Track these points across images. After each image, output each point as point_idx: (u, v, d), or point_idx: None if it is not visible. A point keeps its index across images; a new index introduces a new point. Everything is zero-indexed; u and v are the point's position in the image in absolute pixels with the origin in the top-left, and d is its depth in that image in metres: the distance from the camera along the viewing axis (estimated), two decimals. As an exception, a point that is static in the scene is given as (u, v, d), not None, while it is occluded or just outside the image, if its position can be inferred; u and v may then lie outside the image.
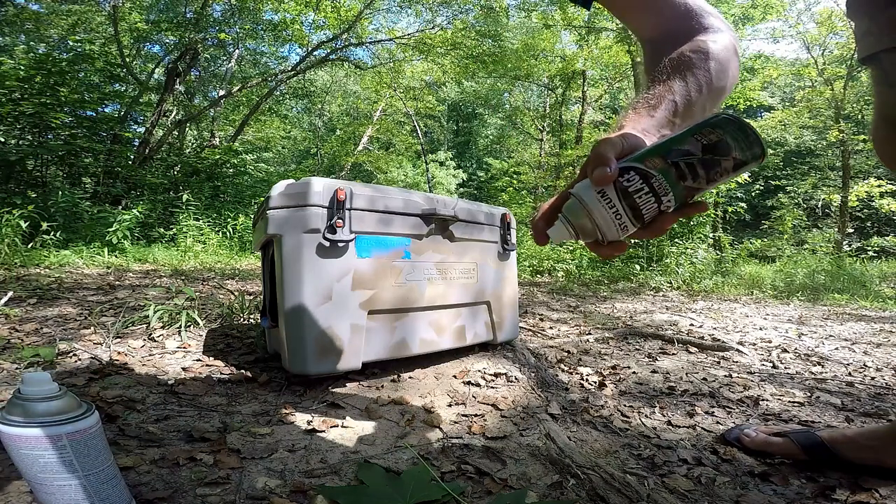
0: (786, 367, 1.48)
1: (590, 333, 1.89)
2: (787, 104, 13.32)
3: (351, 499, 0.60)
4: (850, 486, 0.70)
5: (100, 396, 0.91)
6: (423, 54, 9.83)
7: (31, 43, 9.50)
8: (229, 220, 6.17)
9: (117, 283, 2.69)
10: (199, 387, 1.03)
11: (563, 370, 1.33)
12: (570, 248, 6.40)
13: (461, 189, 15.66)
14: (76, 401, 0.49)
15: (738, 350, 1.66)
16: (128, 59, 9.08)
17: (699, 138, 0.37)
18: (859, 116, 10.36)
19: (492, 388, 1.11)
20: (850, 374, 1.43)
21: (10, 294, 1.77)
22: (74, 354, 1.19)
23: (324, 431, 0.82)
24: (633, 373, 1.34)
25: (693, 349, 1.69)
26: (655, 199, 0.37)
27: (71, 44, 7.21)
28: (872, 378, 1.36)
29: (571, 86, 12.72)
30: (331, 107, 15.97)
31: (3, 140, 5.86)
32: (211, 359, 1.25)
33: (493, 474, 0.69)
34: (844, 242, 8.67)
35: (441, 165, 15.47)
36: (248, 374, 1.12)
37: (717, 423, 0.97)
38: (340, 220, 0.98)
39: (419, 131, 13.60)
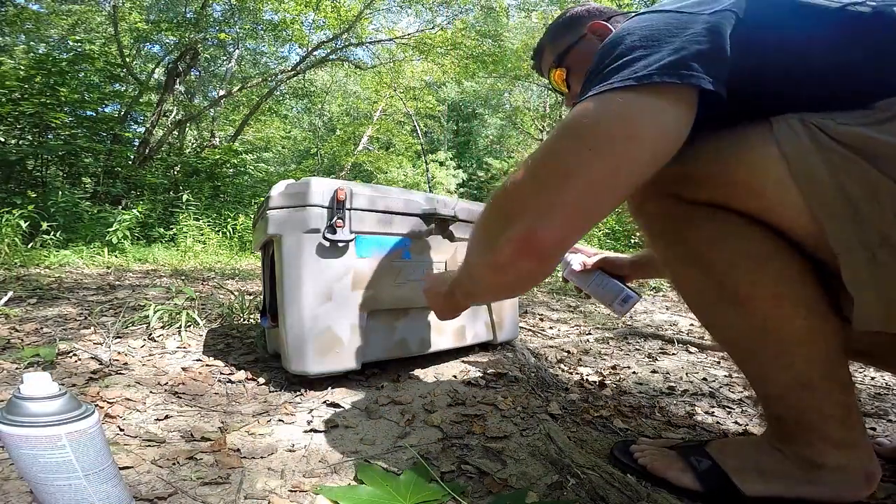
0: (786, 367, 1.48)
1: (590, 333, 1.89)
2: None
3: (351, 499, 0.60)
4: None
5: (100, 396, 0.91)
6: (423, 54, 9.82)
7: (31, 43, 9.52)
8: (229, 220, 6.17)
9: (117, 283, 2.69)
10: (199, 387, 1.03)
11: (563, 370, 1.33)
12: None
13: (461, 189, 15.64)
14: (76, 401, 0.49)
15: (738, 350, 1.66)
16: (128, 59, 9.08)
17: None
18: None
19: (492, 388, 1.11)
20: (850, 374, 1.43)
21: (10, 294, 1.77)
22: (74, 354, 1.19)
23: (324, 431, 0.82)
24: (633, 373, 1.34)
25: (693, 349, 1.69)
26: None
27: (71, 44, 7.22)
28: (872, 378, 1.36)
29: (571, 86, 12.70)
30: (331, 107, 15.96)
31: (3, 140, 5.87)
32: (211, 359, 1.25)
33: (493, 474, 0.69)
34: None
35: (441, 165, 15.46)
36: (248, 374, 1.12)
37: (718, 422, 0.97)
38: (340, 221, 0.98)
39: (419, 131, 13.59)
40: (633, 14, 0.61)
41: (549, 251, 0.54)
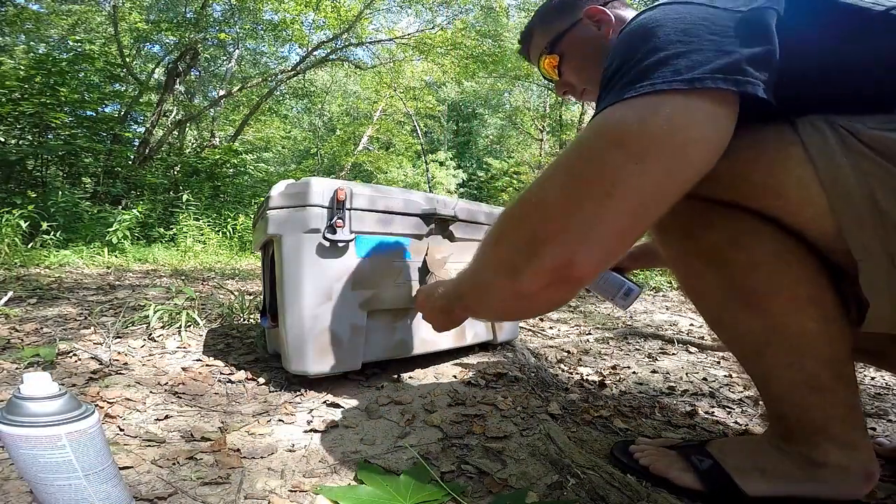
0: (786, 367, 1.48)
1: (590, 333, 1.89)
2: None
3: (351, 499, 0.60)
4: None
5: (100, 396, 0.91)
6: (423, 54, 9.82)
7: (31, 43, 9.52)
8: (229, 220, 6.17)
9: (117, 283, 2.69)
10: (199, 387, 1.03)
11: (563, 370, 1.34)
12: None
13: (461, 189, 15.63)
14: (76, 401, 0.49)
15: (738, 350, 1.66)
16: (128, 59, 9.08)
17: None
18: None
19: (492, 388, 1.11)
20: (850, 374, 1.43)
21: (10, 294, 1.77)
22: (74, 354, 1.19)
23: (324, 431, 0.82)
24: (633, 373, 1.34)
25: (693, 349, 1.69)
26: None
27: (71, 44, 7.23)
28: (872, 378, 1.36)
29: (571, 86, 12.69)
30: (331, 107, 15.95)
31: (3, 140, 5.87)
32: (211, 359, 1.25)
33: (493, 474, 0.69)
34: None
35: (441, 165, 15.46)
36: (248, 374, 1.12)
37: (718, 422, 0.97)
38: (340, 220, 0.98)
39: (419, 131, 13.59)
40: (651, 3, 0.58)
41: (586, 279, 0.50)
